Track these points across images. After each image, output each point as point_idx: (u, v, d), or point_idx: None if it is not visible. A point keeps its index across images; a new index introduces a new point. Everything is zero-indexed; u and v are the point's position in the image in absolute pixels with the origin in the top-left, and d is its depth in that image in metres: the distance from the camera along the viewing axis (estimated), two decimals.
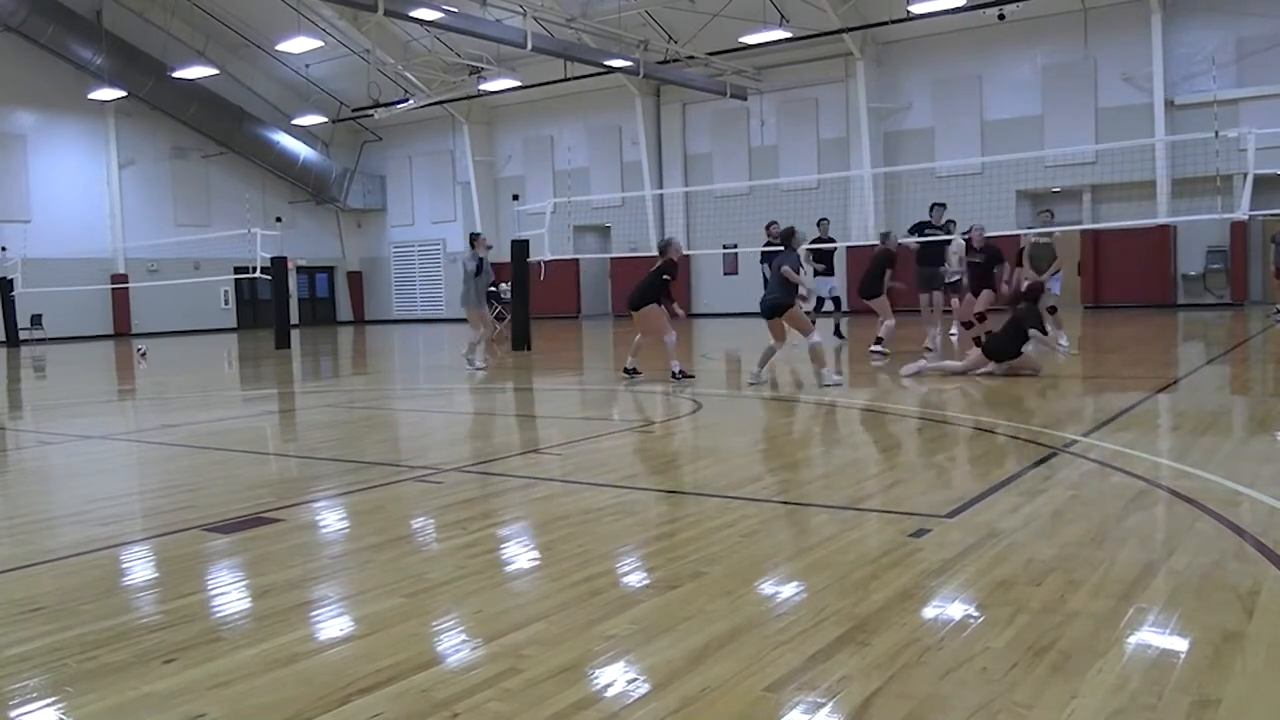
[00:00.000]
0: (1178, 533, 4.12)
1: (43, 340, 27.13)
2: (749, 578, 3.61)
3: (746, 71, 27.38)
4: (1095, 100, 23.70)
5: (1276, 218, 18.21)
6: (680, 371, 10.68)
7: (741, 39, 24.13)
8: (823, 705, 2.50)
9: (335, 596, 3.64)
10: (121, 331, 29.75)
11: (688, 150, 30.08)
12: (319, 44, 25.83)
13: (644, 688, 2.66)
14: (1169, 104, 22.59)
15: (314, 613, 3.44)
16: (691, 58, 26.34)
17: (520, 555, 4.28)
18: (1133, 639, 2.90)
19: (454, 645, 3.09)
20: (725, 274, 29.00)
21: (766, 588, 3.54)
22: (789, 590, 3.52)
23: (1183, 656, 2.77)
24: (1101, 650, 2.79)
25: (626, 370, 11.08)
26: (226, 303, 32.74)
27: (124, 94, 28.12)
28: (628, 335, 12.70)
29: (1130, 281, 23.50)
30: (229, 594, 3.74)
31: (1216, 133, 14.47)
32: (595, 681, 2.72)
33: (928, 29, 24.69)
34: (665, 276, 10.74)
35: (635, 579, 3.77)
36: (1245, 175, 13.39)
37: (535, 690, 2.64)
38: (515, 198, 23.24)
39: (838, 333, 15.69)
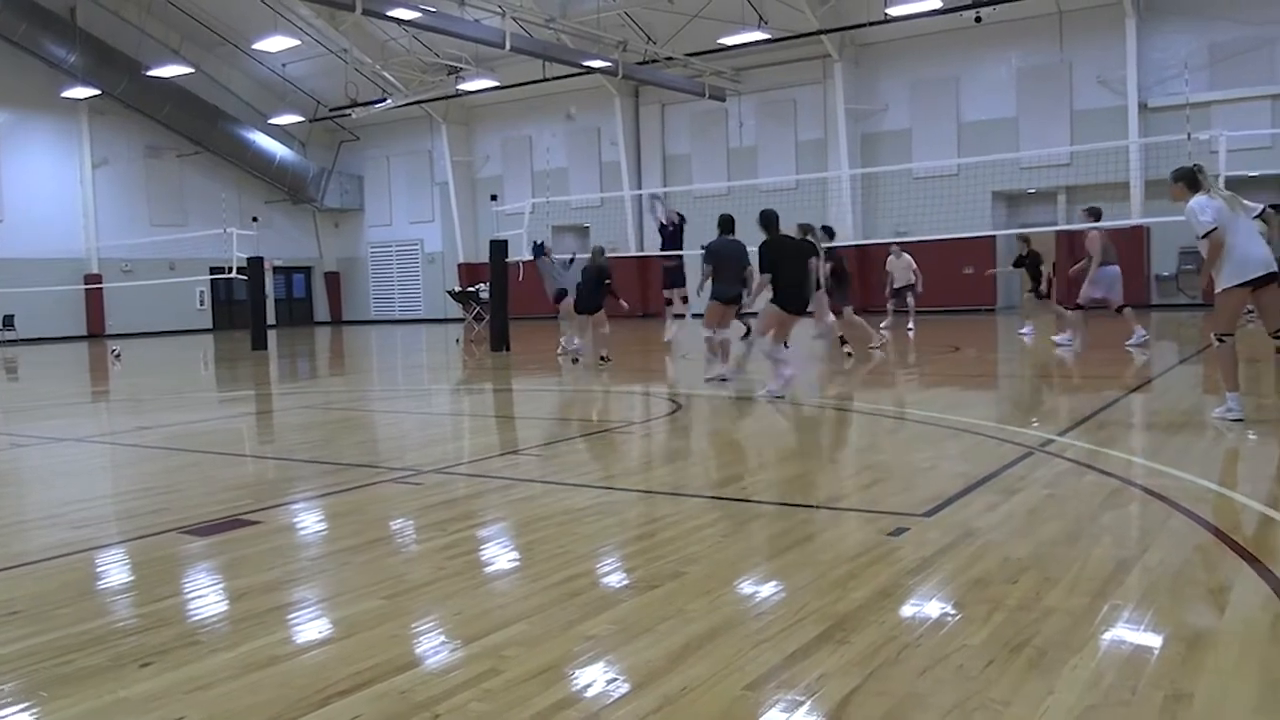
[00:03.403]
0: (1151, 530, 4.17)
1: (15, 342, 26.81)
2: (728, 577, 3.63)
3: (725, 73, 27.43)
4: (1070, 102, 23.90)
5: None
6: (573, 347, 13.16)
7: (720, 40, 24.19)
8: (802, 703, 2.52)
9: (314, 599, 3.62)
10: (95, 333, 29.43)
11: (666, 151, 30.10)
12: (296, 43, 25.67)
13: (624, 687, 2.66)
14: (1142, 106, 22.82)
15: (292, 615, 3.43)
16: (670, 59, 26.36)
17: (500, 556, 4.27)
18: (1107, 635, 2.93)
19: (434, 646, 3.08)
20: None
21: (746, 587, 3.56)
22: (768, 589, 3.54)
23: (1156, 652, 2.80)
24: (1077, 647, 2.82)
25: (603, 358, 12.50)
26: (202, 303, 32.45)
27: (98, 92, 27.85)
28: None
29: None
30: (206, 597, 3.72)
31: (1189, 135, 14.62)
32: (576, 682, 2.72)
33: (905, 31, 24.83)
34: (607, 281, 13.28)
35: (615, 579, 3.77)
36: (1217, 177, 13.48)
37: (516, 691, 2.64)
38: (493, 198, 23.23)
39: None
